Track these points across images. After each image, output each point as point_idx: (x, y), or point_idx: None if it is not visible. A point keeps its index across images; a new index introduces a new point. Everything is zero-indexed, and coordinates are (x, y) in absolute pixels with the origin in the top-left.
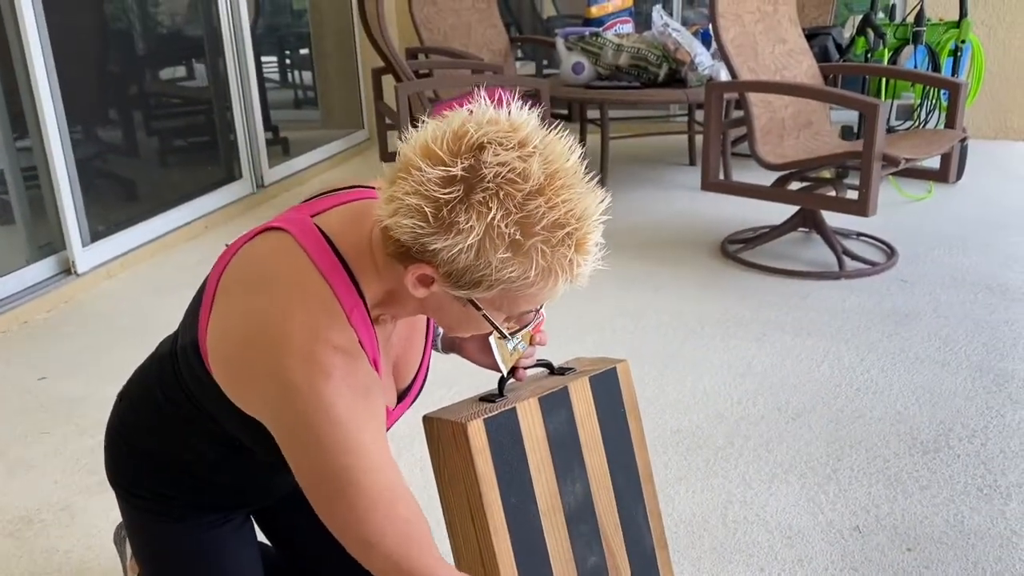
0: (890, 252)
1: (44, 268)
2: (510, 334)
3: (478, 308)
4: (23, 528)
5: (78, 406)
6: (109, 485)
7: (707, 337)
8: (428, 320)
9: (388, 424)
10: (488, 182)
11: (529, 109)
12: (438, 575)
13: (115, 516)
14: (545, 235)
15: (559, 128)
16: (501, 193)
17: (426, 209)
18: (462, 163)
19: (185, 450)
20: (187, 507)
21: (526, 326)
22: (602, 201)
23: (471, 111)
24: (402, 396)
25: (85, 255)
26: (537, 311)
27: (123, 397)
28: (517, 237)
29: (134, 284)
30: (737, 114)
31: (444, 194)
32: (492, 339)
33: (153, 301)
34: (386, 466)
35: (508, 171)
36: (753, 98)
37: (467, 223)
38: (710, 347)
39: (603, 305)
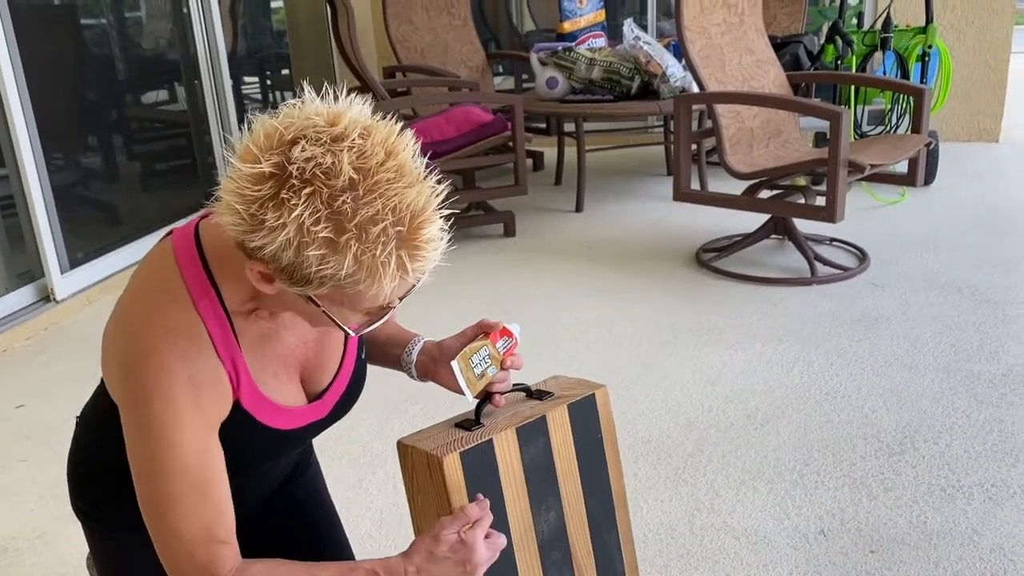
0: (862, 256)
1: (23, 296)
2: (353, 331)
3: (318, 305)
4: None
5: (56, 433)
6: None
7: (680, 346)
8: None
9: (300, 423)
10: (294, 179)
11: (362, 102)
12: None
13: None
14: (357, 232)
15: (391, 119)
16: (308, 190)
17: (238, 207)
18: (271, 159)
19: None
20: (145, 531)
21: (375, 322)
22: (435, 194)
23: (297, 105)
24: (317, 397)
25: (64, 282)
26: (387, 307)
27: (79, 420)
28: (329, 235)
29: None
30: (710, 124)
31: (254, 191)
32: (455, 363)
33: None
34: (198, 462)
35: (314, 167)
36: (721, 109)
37: (277, 220)
38: (683, 356)
39: (577, 315)
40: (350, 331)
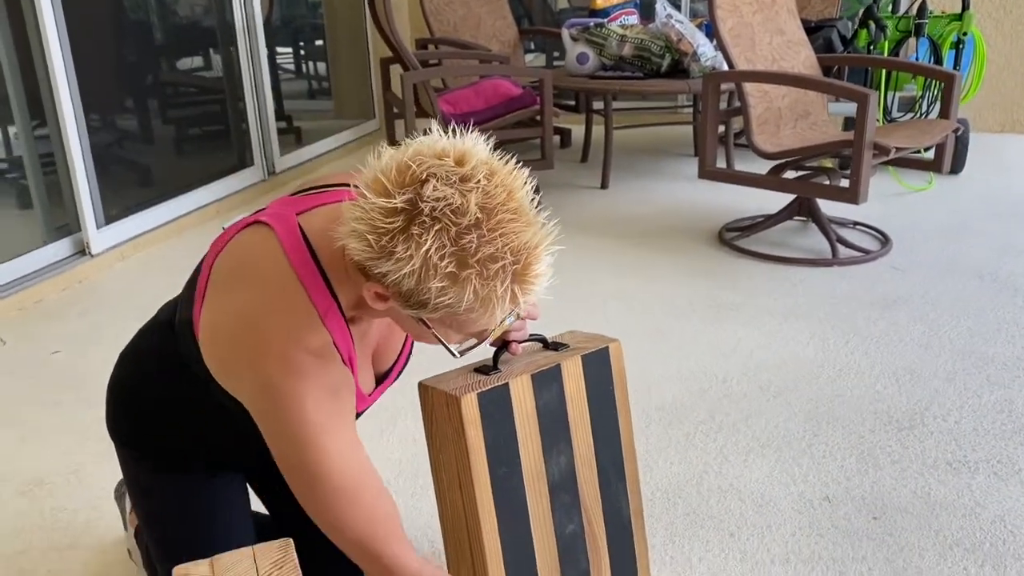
0: (885, 241)
1: (60, 249)
2: (459, 353)
3: (428, 326)
4: (34, 489)
5: (89, 380)
6: (115, 451)
7: (697, 320)
8: None
9: (367, 404)
10: (425, 216)
11: (484, 141)
12: (401, 562)
13: (119, 477)
14: (479, 268)
15: (510, 160)
16: (437, 227)
17: (368, 236)
18: (404, 195)
19: (178, 408)
20: (180, 458)
21: (478, 344)
22: (548, 233)
23: (424, 141)
24: (383, 377)
25: (100, 237)
26: (487, 331)
27: (123, 357)
28: (452, 269)
29: (146, 265)
30: (738, 104)
31: (386, 223)
32: None
33: (164, 281)
34: (352, 459)
35: (445, 206)
36: (750, 88)
37: (405, 252)
38: (699, 329)
39: (598, 289)
40: (454, 351)
